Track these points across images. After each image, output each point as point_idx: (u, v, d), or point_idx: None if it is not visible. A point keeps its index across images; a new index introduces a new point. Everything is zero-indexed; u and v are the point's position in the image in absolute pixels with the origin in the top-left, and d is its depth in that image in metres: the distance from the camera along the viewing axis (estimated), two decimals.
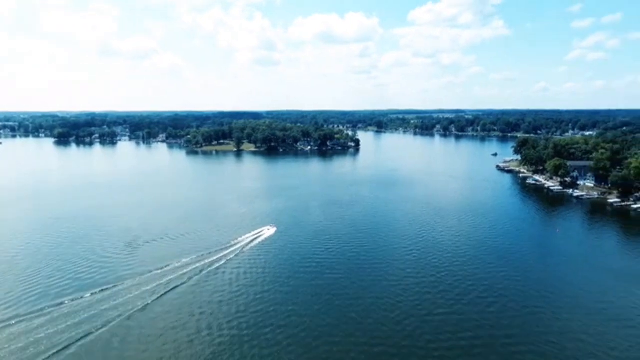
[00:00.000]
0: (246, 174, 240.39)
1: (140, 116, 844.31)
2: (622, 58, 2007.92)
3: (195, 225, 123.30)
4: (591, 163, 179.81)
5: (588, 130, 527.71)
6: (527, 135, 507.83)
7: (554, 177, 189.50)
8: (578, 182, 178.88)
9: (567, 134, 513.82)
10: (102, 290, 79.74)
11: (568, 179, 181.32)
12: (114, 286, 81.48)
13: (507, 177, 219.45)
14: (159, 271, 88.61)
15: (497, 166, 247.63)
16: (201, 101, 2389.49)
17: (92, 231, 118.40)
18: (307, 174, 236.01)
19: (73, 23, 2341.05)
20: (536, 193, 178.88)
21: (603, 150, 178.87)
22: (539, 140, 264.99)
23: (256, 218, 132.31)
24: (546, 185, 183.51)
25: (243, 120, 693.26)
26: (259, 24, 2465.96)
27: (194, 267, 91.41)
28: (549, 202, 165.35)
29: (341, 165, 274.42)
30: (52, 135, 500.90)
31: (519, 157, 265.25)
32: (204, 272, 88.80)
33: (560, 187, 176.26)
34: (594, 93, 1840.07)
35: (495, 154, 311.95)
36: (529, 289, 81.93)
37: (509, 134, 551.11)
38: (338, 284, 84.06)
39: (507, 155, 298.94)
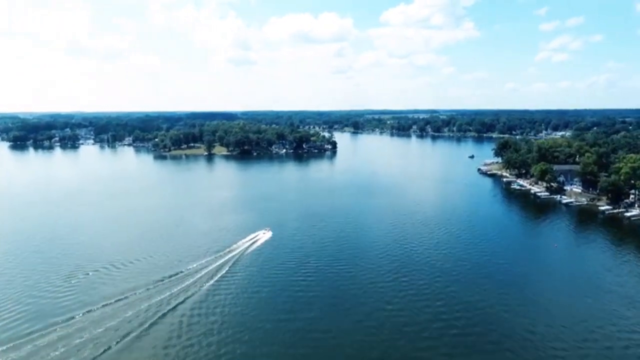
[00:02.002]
0: (216, 182, 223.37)
1: (108, 117, 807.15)
2: (585, 60, 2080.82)
3: (151, 248, 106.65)
4: (577, 167, 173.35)
5: (560, 130, 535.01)
6: (504, 136, 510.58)
7: (540, 182, 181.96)
8: (565, 187, 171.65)
9: (540, 134, 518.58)
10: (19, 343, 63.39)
11: (554, 184, 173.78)
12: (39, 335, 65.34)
13: (490, 182, 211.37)
14: (97, 312, 72.74)
15: (479, 169, 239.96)
16: (174, 101, 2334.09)
17: (23, 259, 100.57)
18: (282, 180, 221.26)
19: (41, 20, 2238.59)
20: (522, 199, 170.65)
21: (589, 154, 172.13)
22: (518, 142, 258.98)
23: (222, 237, 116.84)
24: (532, 191, 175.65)
25: (216, 121, 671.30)
26: (233, 23, 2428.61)
27: (141, 307, 75.47)
28: (537, 209, 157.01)
29: (318, 170, 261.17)
30: (7, 139, 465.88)
31: (499, 160, 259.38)
32: (151, 313, 73.04)
33: (547, 193, 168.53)
34: (560, 93, 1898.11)
35: (472, 156, 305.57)
36: (528, 313, 71.13)
37: (484, 134, 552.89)
38: (315, 324, 70.40)
39: (484, 156, 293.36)
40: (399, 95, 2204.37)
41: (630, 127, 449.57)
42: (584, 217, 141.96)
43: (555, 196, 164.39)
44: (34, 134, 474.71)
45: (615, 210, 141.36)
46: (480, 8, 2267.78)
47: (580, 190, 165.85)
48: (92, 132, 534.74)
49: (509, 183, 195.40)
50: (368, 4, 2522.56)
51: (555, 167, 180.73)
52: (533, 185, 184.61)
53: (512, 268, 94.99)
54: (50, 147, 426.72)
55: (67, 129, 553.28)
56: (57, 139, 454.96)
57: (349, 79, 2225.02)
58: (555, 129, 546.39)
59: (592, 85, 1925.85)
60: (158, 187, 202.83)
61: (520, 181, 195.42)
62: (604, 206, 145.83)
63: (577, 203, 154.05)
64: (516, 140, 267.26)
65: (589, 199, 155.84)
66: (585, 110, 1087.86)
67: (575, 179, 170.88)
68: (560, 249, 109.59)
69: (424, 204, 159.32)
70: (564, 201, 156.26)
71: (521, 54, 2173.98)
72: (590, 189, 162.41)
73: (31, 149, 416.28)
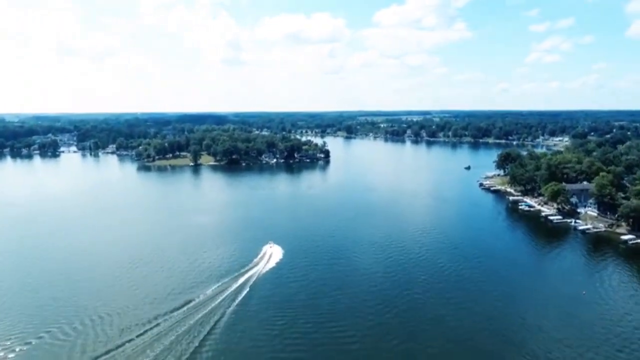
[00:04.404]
0: (198, 201, 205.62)
1: (95, 119, 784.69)
2: (575, 60, 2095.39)
3: (106, 301, 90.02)
4: (591, 186, 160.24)
5: (557, 136, 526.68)
6: (500, 141, 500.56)
7: (549, 202, 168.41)
8: (578, 210, 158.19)
9: (537, 140, 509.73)
10: None
11: (567, 206, 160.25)
12: None
13: (494, 199, 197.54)
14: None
15: (481, 184, 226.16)
16: (165, 102, 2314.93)
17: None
18: (270, 198, 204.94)
19: (27, 20, 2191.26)
20: (532, 223, 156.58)
21: (604, 174, 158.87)
22: (522, 155, 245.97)
23: (193, 280, 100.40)
24: (543, 213, 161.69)
25: (205, 125, 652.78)
26: (225, 23, 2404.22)
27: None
28: (550, 236, 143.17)
29: (310, 185, 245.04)
30: None
31: (501, 172, 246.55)
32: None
33: (559, 217, 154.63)
34: (551, 94, 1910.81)
35: (469, 167, 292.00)
36: None
37: (480, 140, 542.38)
38: None
39: (481, 166, 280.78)
40: (391, 95, 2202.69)
41: (629, 133, 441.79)
42: (604, 247, 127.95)
43: (568, 220, 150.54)
44: (12, 140, 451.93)
45: (639, 240, 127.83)
46: (472, 9, 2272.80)
47: (596, 214, 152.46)
48: (75, 138, 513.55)
49: (516, 202, 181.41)
50: (361, 4, 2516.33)
51: (567, 186, 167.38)
52: (542, 206, 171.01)
53: (539, 332, 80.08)
54: (29, 156, 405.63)
55: (50, 135, 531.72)
56: (36, 146, 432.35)
57: (342, 79, 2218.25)
58: (552, 134, 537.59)
59: (582, 85, 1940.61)
60: (134, 209, 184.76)
61: (528, 200, 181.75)
62: (625, 235, 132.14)
63: (595, 230, 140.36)
64: (519, 152, 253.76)
65: (607, 225, 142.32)
66: (578, 112, 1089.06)
67: (590, 201, 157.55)
68: (590, 294, 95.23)
69: (423, 230, 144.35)
70: (580, 227, 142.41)
71: (512, 55, 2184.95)
72: (608, 213, 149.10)
73: (8, 158, 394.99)
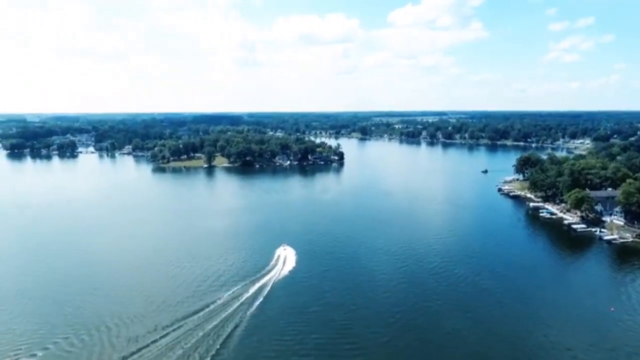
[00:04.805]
0: (212, 204, 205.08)
1: (113, 119, 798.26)
2: (595, 60, 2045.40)
3: (120, 308, 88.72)
4: (616, 194, 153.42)
5: (578, 138, 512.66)
6: (518, 144, 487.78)
7: (572, 209, 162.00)
8: (603, 219, 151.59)
9: (557, 142, 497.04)
10: None
11: (591, 215, 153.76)
12: None
13: (514, 206, 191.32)
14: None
15: (499, 189, 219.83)
16: (181, 103, 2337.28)
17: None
18: (284, 202, 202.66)
19: (47, 23, 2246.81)
20: (554, 231, 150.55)
21: (631, 180, 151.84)
22: (541, 158, 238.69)
23: (208, 285, 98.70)
24: (565, 222, 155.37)
25: (220, 126, 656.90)
26: (239, 24, 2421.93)
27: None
28: (573, 246, 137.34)
29: (324, 189, 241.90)
30: (5, 147, 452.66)
31: (520, 177, 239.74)
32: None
33: (583, 225, 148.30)
34: (570, 95, 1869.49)
35: (486, 171, 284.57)
36: None
37: (498, 142, 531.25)
38: None
39: (499, 170, 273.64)
40: (406, 96, 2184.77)
41: None
42: (632, 258, 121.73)
43: (593, 229, 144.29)
44: (32, 141, 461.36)
45: None
46: (488, 8, 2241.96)
47: (622, 223, 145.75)
48: (92, 139, 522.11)
49: (536, 209, 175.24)
50: (375, 4, 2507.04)
51: (592, 193, 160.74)
52: (565, 213, 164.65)
53: (565, 353, 75.54)
54: (48, 156, 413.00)
55: (68, 135, 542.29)
56: (55, 147, 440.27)
57: (356, 79, 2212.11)
58: (573, 136, 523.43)
59: (604, 85, 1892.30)
60: (158, 212, 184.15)
61: (550, 207, 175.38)
62: None
63: (622, 240, 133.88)
64: (539, 156, 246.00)
65: (634, 235, 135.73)
66: (599, 113, 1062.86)
67: (616, 209, 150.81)
68: (618, 311, 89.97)
69: (439, 237, 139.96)
70: (606, 237, 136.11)
71: (530, 55, 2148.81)
72: (635, 222, 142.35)
73: (28, 158, 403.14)
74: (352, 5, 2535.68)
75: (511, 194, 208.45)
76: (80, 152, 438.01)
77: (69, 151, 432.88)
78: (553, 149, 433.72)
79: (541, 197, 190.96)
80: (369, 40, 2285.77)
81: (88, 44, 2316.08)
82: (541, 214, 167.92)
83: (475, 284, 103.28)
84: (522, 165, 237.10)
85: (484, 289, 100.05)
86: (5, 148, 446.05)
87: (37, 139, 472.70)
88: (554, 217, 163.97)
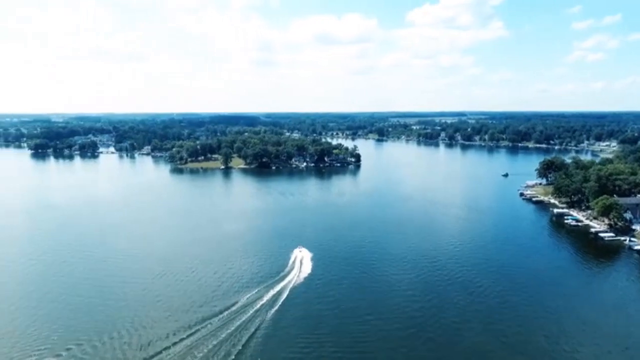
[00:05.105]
0: (225, 206, 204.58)
1: (133, 120, 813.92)
2: (622, 59, 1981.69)
3: (135, 312, 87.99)
4: None
5: (604, 140, 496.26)
6: (540, 146, 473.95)
7: (599, 217, 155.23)
8: (633, 227, 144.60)
9: (582, 145, 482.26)
10: None
11: (620, 223, 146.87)
12: None
13: (537, 211, 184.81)
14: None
15: (521, 194, 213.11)
16: (199, 103, 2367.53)
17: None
18: (300, 205, 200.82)
19: (70, 25, 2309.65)
20: (580, 239, 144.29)
21: None
22: (565, 162, 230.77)
23: (225, 289, 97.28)
24: (592, 230, 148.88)
25: (237, 127, 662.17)
26: (256, 25, 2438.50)
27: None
28: (601, 254, 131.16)
29: (341, 191, 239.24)
30: (29, 147, 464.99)
31: (543, 181, 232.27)
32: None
33: (611, 234, 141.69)
34: (594, 95, 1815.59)
35: (506, 175, 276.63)
36: None
37: (519, 144, 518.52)
38: None
39: (520, 174, 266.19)
40: (423, 96, 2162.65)
41: None
42: None
43: (622, 238, 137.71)
44: (55, 141, 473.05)
45: None
46: (510, 7, 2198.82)
47: None
48: (113, 139, 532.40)
49: (561, 216, 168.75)
50: (393, 4, 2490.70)
51: (620, 200, 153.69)
52: (591, 221, 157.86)
53: None
54: (70, 156, 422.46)
55: (90, 135, 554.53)
56: (77, 147, 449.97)
57: (373, 80, 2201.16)
58: (598, 138, 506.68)
59: (630, 85, 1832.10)
60: (175, 213, 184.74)
61: (575, 213, 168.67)
62: None
63: None
64: (563, 160, 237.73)
65: None
66: (625, 113, 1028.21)
67: None
68: None
69: (459, 244, 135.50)
70: (636, 247, 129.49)
71: (552, 54, 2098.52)
72: None
73: (52, 158, 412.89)
74: (370, 5, 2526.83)
75: (534, 199, 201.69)
76: (101, 153, 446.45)
77: (90, 151, 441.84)
78: (577, 151, 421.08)
79: (566, 202, 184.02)
80: (386, 40, 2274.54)
81: (110, 45, 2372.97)
82: (566, 221, 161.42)
83: (496, 294, 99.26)
84: (546, 169, 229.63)
85: (505, 301, 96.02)
86: (29, 148, 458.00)
87: (60, 139, 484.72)
88: (579, 224, 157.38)
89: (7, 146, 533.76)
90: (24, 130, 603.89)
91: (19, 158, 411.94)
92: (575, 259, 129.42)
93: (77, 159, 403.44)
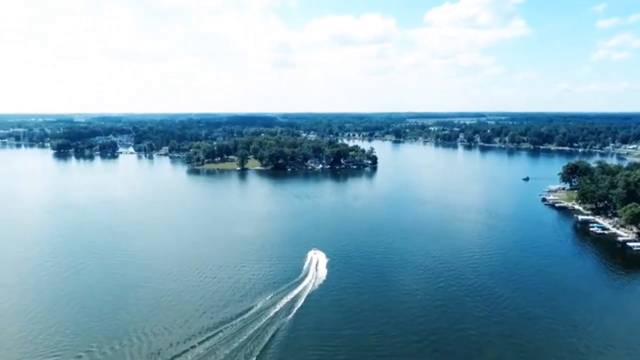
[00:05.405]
0: (241, 209, 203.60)
1: (153, 120, 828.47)
2: None
3: (149, 317, 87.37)
4: None
5: (630, 143, 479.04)
6: (563, 149, 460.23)
7: (627, 225, 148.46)
8: None
9: (607, 147, 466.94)
10: None
11: None
12: None
13: (560, 218, 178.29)
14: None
15: (543, 199, 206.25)
16: (216, 103, 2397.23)
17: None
18: (315, 209, 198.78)
19: (90, 26, 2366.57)
20: (606, 249, 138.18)
21: None
22: (590, 167, 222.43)
23: (241, 294, 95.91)
24: (620, 238, 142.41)
25: (254, 128, 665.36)
26: (274, 26, 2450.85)
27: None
28: (630, 265, 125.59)
29: (357, 194, 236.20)
30: (52, 147, 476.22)
31: (566, 186, 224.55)
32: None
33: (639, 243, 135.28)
34: (619, 95, 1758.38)
35: (527, 179, 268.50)
36: None
37: (541, 146, 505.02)
38: None
39: (542, 177, 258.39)
40: (442, 96, 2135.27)
41: None
42: None
43: None
44: (77, 141, 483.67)
45: None
46: (532, 5, 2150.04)
47: None
48: (132, 139, 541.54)
49: (586, 223, 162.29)
50: (411, 4, 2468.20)
51: None
52: (618, 229, 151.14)
53: None
54: (91, 156, 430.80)
55: (110, 135, 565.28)
56: (97, 147, 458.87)
57: (391, 80, 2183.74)
58: (624, 141, 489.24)
59: None
60: (192, 216, 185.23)
61: (601, 220, 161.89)
62: None
63: None
64: (588, 164, 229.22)
65: None
66: None
67: None
68: None
69: (478, 252, 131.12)
70: None
71: (576, 53, 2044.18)
72: None
73: (73, 158, 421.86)
74: (389, 4, 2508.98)
75: (557, 204, 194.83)
76: (120, 153, 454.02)
77: (110, 152, 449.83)
78: (602, 154, 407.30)
79: (591, 209, 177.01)
80: (404, 40, 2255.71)
81: (133, 46, 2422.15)
82: (591, 229, 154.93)
83: (518, 307, 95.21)
84: (570, 173, 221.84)
85: (526, 312, 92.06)
86: (52, 148, 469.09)
87: (81, 139, 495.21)
88: (605, 232, 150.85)
89: (31, 146, 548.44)
90: (48, 130, 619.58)
91: (42, 158, 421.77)
92: (601, 269, 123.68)
93: (97, 159, 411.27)
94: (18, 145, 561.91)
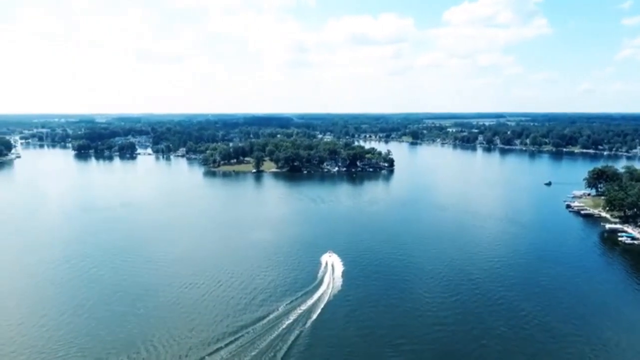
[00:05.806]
0: (256, 212, 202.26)
1: (171, 121, 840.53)
2: None
3: (163, 324, 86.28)
4: None
5: None
6: (587, 151, 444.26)
7: None
8: None
9: (634, 150, 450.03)
10: None
11: None
12: None
13: (585, 226, 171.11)
14: None
15: (567, 205, 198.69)
16: (233, 104, 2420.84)
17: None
18: (331, 213, 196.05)
19: (108, 28, 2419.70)
20: (636, 260, 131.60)
21: None
22: (618, 172, 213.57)
23: (254, 302, 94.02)
24: None
25: (270, 128, 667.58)
26: (291, 26, 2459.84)
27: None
28: None
29: (373, 199, 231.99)
30: (73, 147, 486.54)
31: (592, 191, 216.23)
32: None
33: None
34: None
35: (549, 183, 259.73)
36: None
37: (564, 149, 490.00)
38: None
39: (565, 182, 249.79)
40: (459, 96, 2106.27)
41: None
42: None
43: None
44: (97, 142, 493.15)
45: None
46: (555, 3, 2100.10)
47: None
48: (150, 140, 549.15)
49: (614, 232, 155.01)
50: (430, 3, 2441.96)
51: None
52: None
53: None
54: (110, 157, 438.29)
55: (129, 136, 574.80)
56: (116, 148, 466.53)
57: (408, 80, 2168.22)
58: None
59: None
60: (208, 219, 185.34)
61: (630, 230, 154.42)
62: None
63: None
64: (615, 169, 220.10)
65: None
66: None
67: None
68: None
69: (499, 262, 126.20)
70: None
71: (599, 52, 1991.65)
72: None
73: (93, 158, 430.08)
74: (406, 4, 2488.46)
75: (582, 211, 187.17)
76: (139, 154, 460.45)
77: (128, 153, 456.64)
78: (629, 157, 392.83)
79: (619, 217, 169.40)
80: (422, 40, 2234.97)
81: (152, 48, 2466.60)
82: (620, 238, 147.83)
83: (541, 321, 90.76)
84: (596, 179, 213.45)
85: (552, 329, 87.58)
86: (73, 148, 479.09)
87: (101, 140, 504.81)
88: (635, 242, 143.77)
89: (53, 146, 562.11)
90: (70, 131, 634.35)
91: (63, 159, 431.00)
92: (632, 282, 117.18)
93: (116, 160, 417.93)
94: (41, 146, 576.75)
